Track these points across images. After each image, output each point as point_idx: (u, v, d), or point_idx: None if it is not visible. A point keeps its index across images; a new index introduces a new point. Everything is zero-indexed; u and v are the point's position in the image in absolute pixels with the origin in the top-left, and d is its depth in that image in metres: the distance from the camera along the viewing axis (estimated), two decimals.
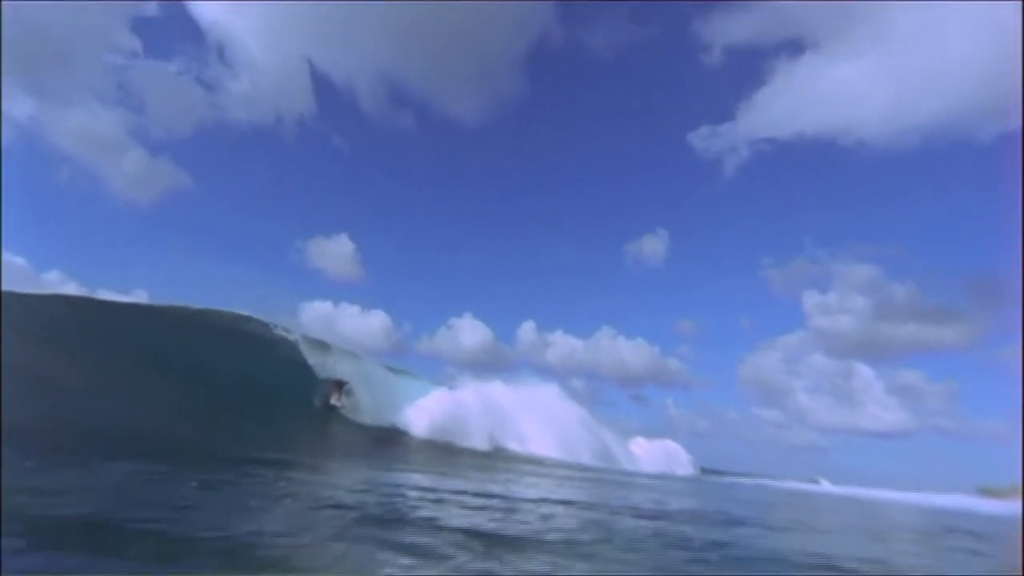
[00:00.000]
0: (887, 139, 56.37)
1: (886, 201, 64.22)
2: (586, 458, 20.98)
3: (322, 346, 18.28)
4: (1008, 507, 27.09)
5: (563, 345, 56.77)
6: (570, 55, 62.05)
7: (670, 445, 29.03)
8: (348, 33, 59.36)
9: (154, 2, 49.39)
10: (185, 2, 50.56)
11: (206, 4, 51.54)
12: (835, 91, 54.66)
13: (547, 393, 23.32)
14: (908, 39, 53.76)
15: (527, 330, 55.53)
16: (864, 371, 58.93)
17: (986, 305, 61.24)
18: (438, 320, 59.78)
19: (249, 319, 17.58)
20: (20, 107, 40.19)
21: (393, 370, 21.41)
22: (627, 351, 58.08)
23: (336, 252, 55.78)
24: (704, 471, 32.57)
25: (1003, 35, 49.68)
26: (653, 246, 61.78)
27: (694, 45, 60.38)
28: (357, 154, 63.52)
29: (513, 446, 19.18)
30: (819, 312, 60.44)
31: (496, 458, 16.30)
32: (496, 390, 21.13)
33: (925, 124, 56.95)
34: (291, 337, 17.74)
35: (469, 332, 53.49)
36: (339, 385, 16.53)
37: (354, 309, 47.41)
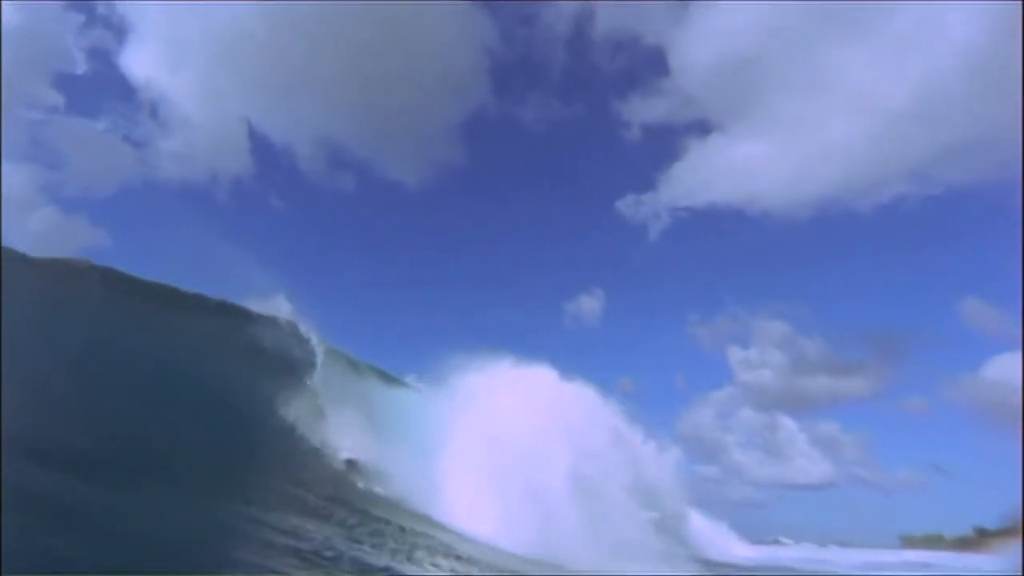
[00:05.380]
0: (786, 210, 66.46)
1: (790, 264, 73.29)
2: None
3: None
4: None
5: None
6: (505, 126, 69.33)
7: None
8: (288, 96, 61.75)
9: (83, 58, 46.89)
10: (116, 59, 48.58)
11: (139, 62, 49.95)
12: (738, 167, 64.55)
13: None
14: (795, 123, 65.49)
15: None
16: (788, 423, 63.18)
17: (885, 358, 69.31)
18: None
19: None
20: None
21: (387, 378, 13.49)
22: None
23: (273, 313, 53.33)
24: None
25: (874, 120, 60.10)
26: (590, 305, 64.38)
27: (615, 122, 68.33)
28: (295, 215, 62.52)
29: None
30: (744, 367, 65.41)
31: None
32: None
33: (815, 198, 68.11)
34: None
35: None
36: None
37: None
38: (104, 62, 54.02)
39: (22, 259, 8.98)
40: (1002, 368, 63.56)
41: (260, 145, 61.61)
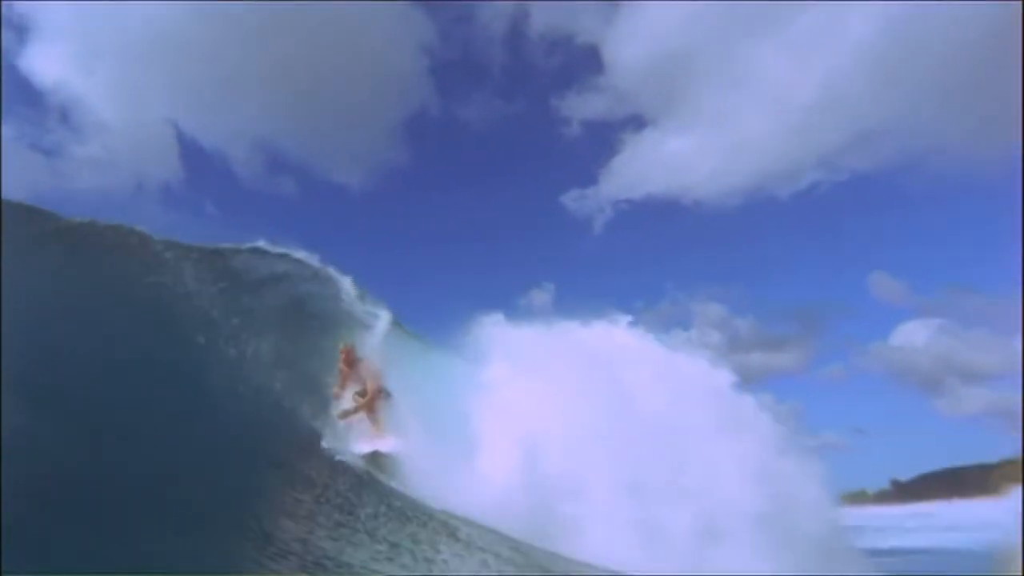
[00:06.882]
0: (716, 199, 71.31)
1: (722, 249, 78.58)
2: None
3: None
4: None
5: None
6: (447, 125, 69.04)
7: None
8: (218, 97, 58.24)
9: None
10: (17, 60, 44.25)
11: (45, 63, 45.86)
12: (671, 160, 68.68)
13: None
14: (719, 117, 72.30)
15: None
16: None
17: (809, 332, 75.61)
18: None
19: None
20: None
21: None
22: None
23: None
24: None
25: (787, 113, 65.43)
26: (541, 299, 65.71)
27: (555, 119, 72.02)
28: (232, 221, 59.46)
29: None
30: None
31: None
32: None
33: (740, 186, 74.41)
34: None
35: None
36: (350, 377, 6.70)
37: None
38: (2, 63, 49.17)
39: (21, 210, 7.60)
40: (906, 335, 70.72)
41: (189, 149, 58.27)
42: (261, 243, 8.92)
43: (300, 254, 9.05)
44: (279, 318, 8.05)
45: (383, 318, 8.13)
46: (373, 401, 6.34)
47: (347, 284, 8.82)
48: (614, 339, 8.47)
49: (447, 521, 5.20)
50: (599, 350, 8.07)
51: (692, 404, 7.41)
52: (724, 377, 8.26)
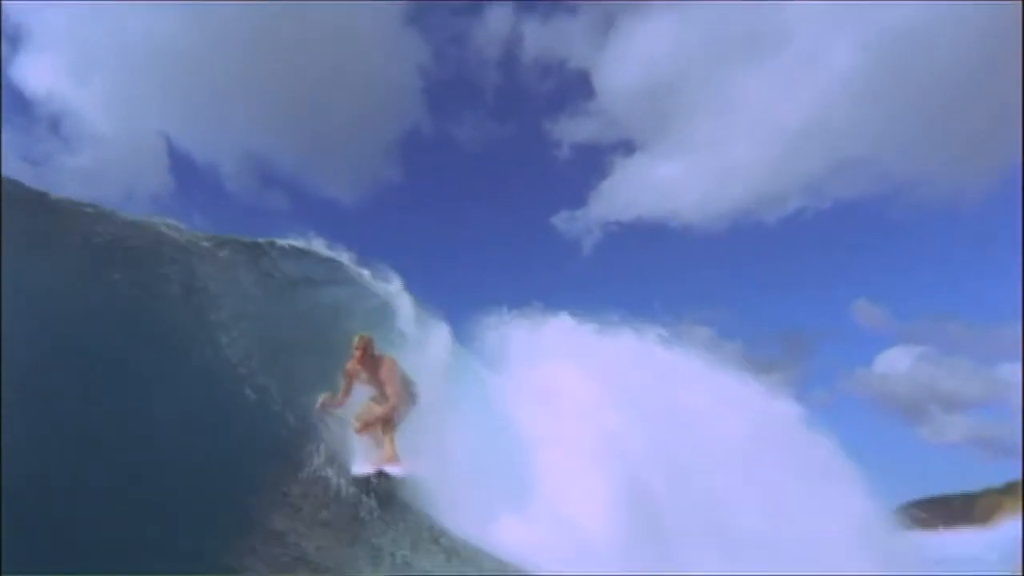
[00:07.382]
0: (704, 223, 75.08)
1: (710, 272, 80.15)
2: None
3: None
4: None
5: None
6: (440, 145, 71.32)
7: None
8: (212, 110, 58.85)
9: None
10: (8, 69, 43.87)
11: (37, 72, 45.48)
12: (660, 184, 70.83)
13: None
14: (708, 143, 73.11)
15: None
16: None
17: (794, 357, 76.59)
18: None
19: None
20: None
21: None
22: None
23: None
24: None
25: (773, 140, 68.93)
26: (531, 319, 66.34)
27: (547, 141, 72.51)
28: (221, 232, 59.42)
29: None
30: None
31: None
32: None
33: (728, 211, 78.81)
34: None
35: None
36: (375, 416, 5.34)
37: None
38: None
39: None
40: (889, 362, 71.24)
41: (180, 162, 58.47)
42: (300, 241, 8.29)
43: (344, 256, 8.63)
44: (311, 317, 7.54)
45: (440, 331, 7.12)
46: (394, 411, 5.16)
47: (396, 287, 8.15)
48: (659, 357, 7.55)
49: (431, 526, 5.02)
50: (642, 367, 7.16)
51: (759, 435, 6.50)
52: (789, 408, 7.15)
